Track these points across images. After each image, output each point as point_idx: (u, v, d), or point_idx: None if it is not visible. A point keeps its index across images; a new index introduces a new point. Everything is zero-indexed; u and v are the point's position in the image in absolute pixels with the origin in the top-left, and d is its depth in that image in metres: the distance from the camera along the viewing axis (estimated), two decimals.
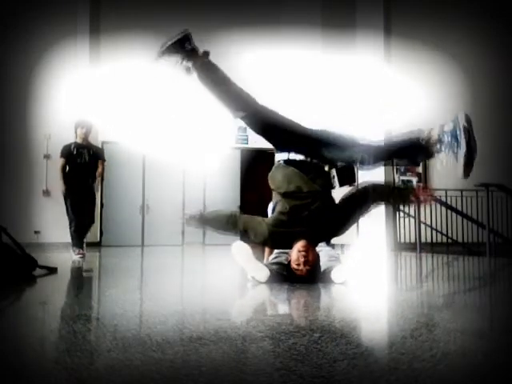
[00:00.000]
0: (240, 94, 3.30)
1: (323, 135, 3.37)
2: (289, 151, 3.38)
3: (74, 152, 6.52)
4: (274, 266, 3.35)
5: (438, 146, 2.96)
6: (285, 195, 3.29)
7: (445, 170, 2.93)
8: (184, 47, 3.16)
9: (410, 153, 3.13)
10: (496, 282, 4.27)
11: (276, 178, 3.38)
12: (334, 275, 3.25)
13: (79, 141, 6.61)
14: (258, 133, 3.52)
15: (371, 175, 8.49)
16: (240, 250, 3.27)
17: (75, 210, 6.46)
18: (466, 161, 2.86)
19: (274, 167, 3.51)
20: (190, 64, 3.19)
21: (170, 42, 3.17)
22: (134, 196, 10.34)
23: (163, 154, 10.26)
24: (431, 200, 3.03)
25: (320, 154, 3.36)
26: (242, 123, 3.43)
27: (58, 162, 6.62)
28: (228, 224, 3.36)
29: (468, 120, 2.93)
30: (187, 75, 3.20)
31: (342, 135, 3.36)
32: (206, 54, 3.22)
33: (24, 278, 3.72)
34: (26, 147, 9.36)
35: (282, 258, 3.45)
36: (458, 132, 2.89)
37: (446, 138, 2.92)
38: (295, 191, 3.27)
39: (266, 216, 3.57)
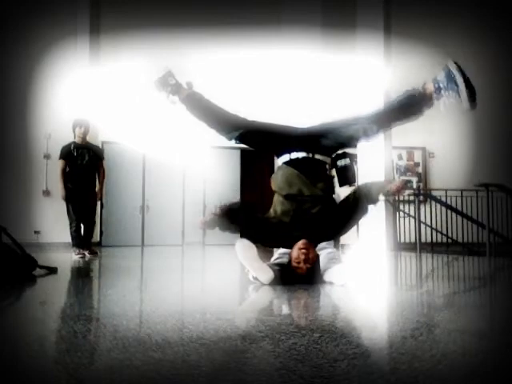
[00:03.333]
0: (229, 117, 3.40)
1: (318, 127, 3.40)
2: (289, 152, 3.40)
3: (74, 153, 6.46)
4: (276, 267, 3.32)
5: (437, 92, 2.98)
6: (286, 197, 3.30)
7: (449, 108, 2.95)
8: (167, 83, 3.28)
9: (410, 108, 3.14)
10: (496, 282, 4.27)
11: (278, 180, 3.39)
12: (334, 277, 3.23)
13: (78, 141, 6.55)
14: (256, 148, 3.63)
15: (371, 175, 8.50)
16: (244, 248, 3.19)
17: (76, 212, 6.44)
18: (469, 91, 2.88)
19: (276, 169, 3.53)
20: (175, 98, 3.32)
21: (153, 81, 3.28)
22: (134, 196, 10.34)
23: (163, 153, 10.26)
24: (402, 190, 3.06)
25: (321, 146, 3.37)
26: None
27: (58, 164, 6.56)
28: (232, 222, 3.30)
29: (458, 64, 2.97)
30: (174, 107, 3.35)
31: (336, 120, 3.38)
32: (190, 85, 3.34)
33: (24, 278, 3.72)
34: (26, 147, 9.36)
35: (284, 259, 3.43)
36: (452, 74, 2.93)
37: (443, 84, 2.96)
38: (296, 194, 3.27)
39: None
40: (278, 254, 3.52)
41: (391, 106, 3.27)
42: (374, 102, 8.43)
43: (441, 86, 2.97)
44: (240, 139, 3.42)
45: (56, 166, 6.87)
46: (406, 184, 3.05)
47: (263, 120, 3.51)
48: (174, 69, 3.36)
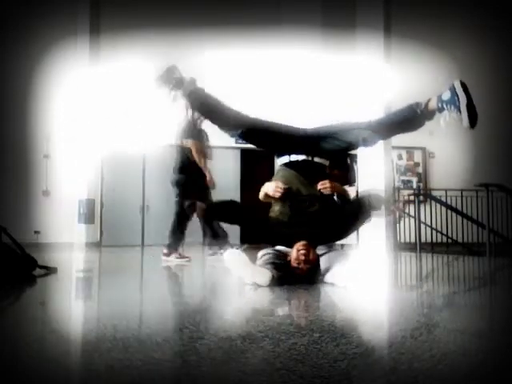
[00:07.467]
0: (232, 114, 3.38)
1: (319, 130, 3.41)
2: (289, 154, 3.43)
3: (203, 135, 4.96)
4: (271, 266, 3.29)
5: (440, 105, 2.97)
6: (285, 197, 3.31)
7: (448, 125, 2.95)
8: (171, 77, 3.26)
9: (412, 121, 3.15)
10: (496, 282, 4.27)
11: (276, 181, 3.41)
12: (336, 278, 3.21)
13: (200, 126, 5.06)
14: (257, 146, 3.61)
15: (371, 176, 8.49)
16: (234, 258, 3.16)
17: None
18: (470, 110, 2.88)
19: (276, 171, 3.56)
20: (178, 93, 3.29)
21: (156, 76, 3.26)
22: (134, 196, 10.33)
23: (163, 153, 10.26)
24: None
25: (320, 149, 3.39)
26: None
27: (190, 144, 5.15)
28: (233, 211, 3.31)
29: (464, 85, 2.96)
30: (174, 103, 3.31)
31: (337, 123, 3.39)
32: (193, 81, 3.30)
33: (24, 278, 3.72)
34: (26, 147, 9.36)
35: (270, 256, 3.39)
36: (456, 94, 2.93)
37: (446, 102, 2.95)
38: (294, 194, 3.29)
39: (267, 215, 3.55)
40: (263, 252, 3.48)
41: (393, 118, 3.27)
42: (373, 101, 8.44)
43: (444, 105, 2.96)
44: (242, 137, 3.42)
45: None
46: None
47: (265, 119, 3.51)
48: (178, 64, 3.34)
